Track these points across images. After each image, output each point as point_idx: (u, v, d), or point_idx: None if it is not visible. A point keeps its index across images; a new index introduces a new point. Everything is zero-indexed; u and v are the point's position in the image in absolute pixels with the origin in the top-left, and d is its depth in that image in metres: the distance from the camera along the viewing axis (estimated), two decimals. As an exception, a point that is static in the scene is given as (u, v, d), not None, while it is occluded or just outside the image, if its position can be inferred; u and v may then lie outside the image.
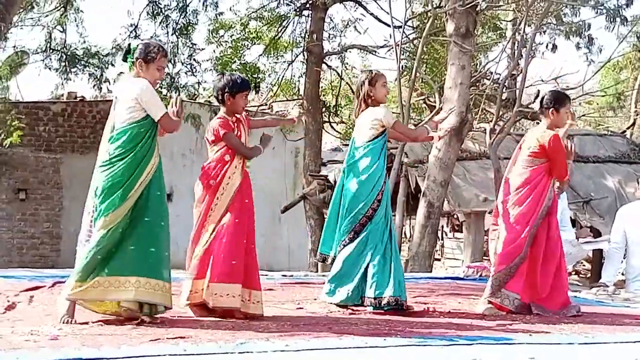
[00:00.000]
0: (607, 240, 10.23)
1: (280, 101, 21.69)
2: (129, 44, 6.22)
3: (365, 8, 18.73)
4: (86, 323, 5.84)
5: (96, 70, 17.80)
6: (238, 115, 6.77)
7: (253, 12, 18.97)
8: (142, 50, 6.07)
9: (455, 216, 18.51)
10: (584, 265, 15.31)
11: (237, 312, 6.44)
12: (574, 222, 12.16)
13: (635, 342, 5.95)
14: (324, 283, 8.94)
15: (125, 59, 6.16)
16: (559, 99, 7.37)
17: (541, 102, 7.44)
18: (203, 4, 17.57)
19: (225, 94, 6.68)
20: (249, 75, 17.43)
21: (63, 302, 5.97)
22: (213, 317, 6.37)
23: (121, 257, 5.96)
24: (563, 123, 7.41)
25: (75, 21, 18.00)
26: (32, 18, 18.40)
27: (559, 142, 7.33)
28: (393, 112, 13.44)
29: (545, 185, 7.35)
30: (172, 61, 16.74)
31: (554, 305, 7.32)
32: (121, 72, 18.53)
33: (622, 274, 10.90)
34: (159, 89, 16.10)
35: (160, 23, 16.87)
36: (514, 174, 7.53)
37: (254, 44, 19.17)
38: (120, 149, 6.00)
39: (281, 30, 18.93)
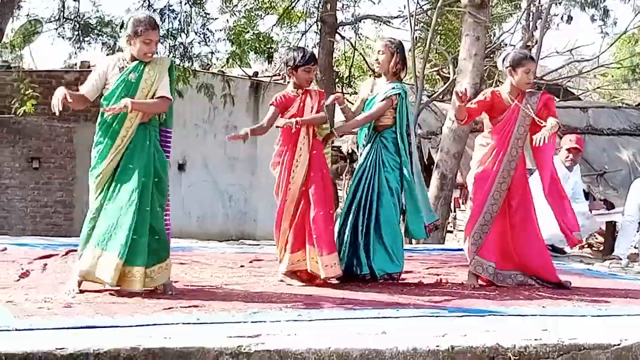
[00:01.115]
0: (621, 213, 10.20)
1: (293, 71, 21.61)
2: (123, 20, 6.26)
3: (379, -22, 18.64)
4: (99, 291, 5.86)
5: (109, 40, 17.77)
6: (309, 89, 6.86)
7: (267, -19, 18.91)
8: (131, 24, 6.08)
9: (468, 188, 18.48)
10: (596, 238, 15.28)
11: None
12: (587, 195, 12.10)
13: (648, 314, 5.94)
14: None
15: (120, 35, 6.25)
16: (515, 59, 7.28)
17: (502, 61, 7.40)
18: (217, -27, 17.54)
19: (288, 68, 6.79)
20: (262, 46, 17.39)
21: (74, 274, 5.98)
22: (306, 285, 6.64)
23: (97, 229, 5.97)
24: (523, 83, 7.31)
25: (89, -10, 17.97)
26: (45, -14, 18.40)
27: (487, 93, 7.37)
28: (407, 84, 13.43)
29: (501, 147, 7.28)
30: (186, 31, 16.69)
31: (553, 276, 7.26)
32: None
33: (636, 247, 10.87)
34: (173, 58, 16.08)
35: (174, -8, 16.79)
36: (479, 136, 7.58)
37: (268, 13, 19.11)
38: (97, 124, 6.14)
39: (295, 0, 18.85)
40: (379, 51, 7.21)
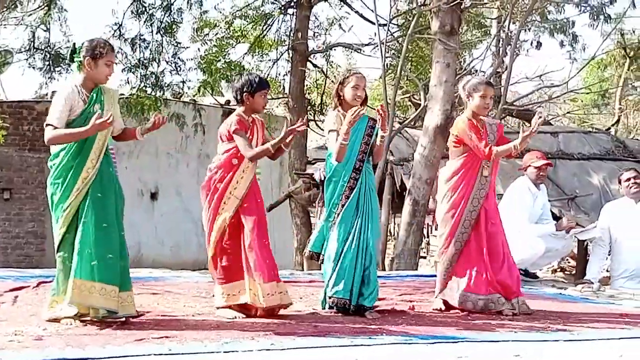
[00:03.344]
0: (599, 228, 10.14)
1: (265, 99, 21.63)
2: (74, 44, 6.13)
3: (350, 6, 18.73)
4: (71, 323, 5.81)
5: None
6: (255, 116, 6.77)
7: (238, 10, 18.95)
8: (89, 47, 5.99)
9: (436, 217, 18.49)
10: (568, 262, 15.35)
11: (276, 307, 6.56)
12: (557, 219, 12.14)
13: (620, 338, 5.96)
14: (309, 281, 8.97)
15: (72, 60, 6.09)
16: (472, 84, 7.32)
17: (462, 88, 7.48)
18: (187, 2, 17.52)
19: (244, 94, 6.65)
20: (233, 74, 17.41)
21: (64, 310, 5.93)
22: (253, 317, 6.44)
23: (75, 261, 5.91)
24: (480, 108, 7.37)
25: (59, 20, 17.94)
26: (15, 17, 18.37)
27: (465, 124, 7.34)
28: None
29: (470, 177, 7.33)
30: (157, 60, 16.70)
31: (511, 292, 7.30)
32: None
33: (607, 271, 10.92)
34: (144, 87, 16.08)
35: (144, 22, 16.80)
36: (444, 168, 7.61)
37: (239, 42, 19.14)
38: (53, 157, 6.02)
39: (266, 28, 18.91)
40: (361, 86, 7.09)
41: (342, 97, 7.13)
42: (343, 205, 6.97)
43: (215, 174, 6.66)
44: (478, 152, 7.28)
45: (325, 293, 7.00)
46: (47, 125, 5.90)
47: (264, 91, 6.72)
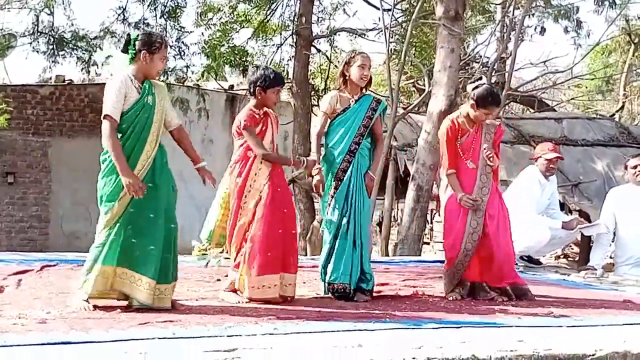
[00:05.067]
0: (603, 224, 10.13)
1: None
2: (129, 34, 6.08)
3: (354, -9, 18.68)
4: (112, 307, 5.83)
5: (84, 54, 17.75)
6: (268, 110, 6.75)
7: (242, -6, 18.89)
8: (147, 40, 5.95)
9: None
10: (572, 249, 15.34)
11: (273, 298, 6.52)
12: (562, 205, 12.13)
13: (623, 324, 5.98)
14: (313, 266, 8.96)
15: (126, 50, 6.03)
16: (481, 97, 7.21)
17: (472, 89, 7.41)
18: (192, -14, 17.54)
19: (257, 88, 6.65)
20: (237, 59, 17.39)
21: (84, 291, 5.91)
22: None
23: (120, 250, 5.88)
24: (479, 120, 7.35)
25: (63, 4, 17.92)
26: (19, 0, 18.33)
27: (446, 127, 7.40)
28: (383, 96, 13.39)
29: (471, 175, 7.33)
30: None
31: (500, 281, 7.28)
32: (109, 56, 18.52)
33: (611, 257, 10.91)
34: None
35: (148, 6, 16.79)
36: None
37: (243, 27, 19.09)
38: (107, 151, 5.95)
39: (270, 13, 18.86)
40: (367, 66, 7.08)
41: (347, 77, 7.10)
42: (336, 188, 6.98)
43: (234, 169, 6.69)
44: (441, 161, 7.45)
45: (324, 280, 7.00)
46: (105, 116, 5.82)
47: (277, 88, 6.71)
